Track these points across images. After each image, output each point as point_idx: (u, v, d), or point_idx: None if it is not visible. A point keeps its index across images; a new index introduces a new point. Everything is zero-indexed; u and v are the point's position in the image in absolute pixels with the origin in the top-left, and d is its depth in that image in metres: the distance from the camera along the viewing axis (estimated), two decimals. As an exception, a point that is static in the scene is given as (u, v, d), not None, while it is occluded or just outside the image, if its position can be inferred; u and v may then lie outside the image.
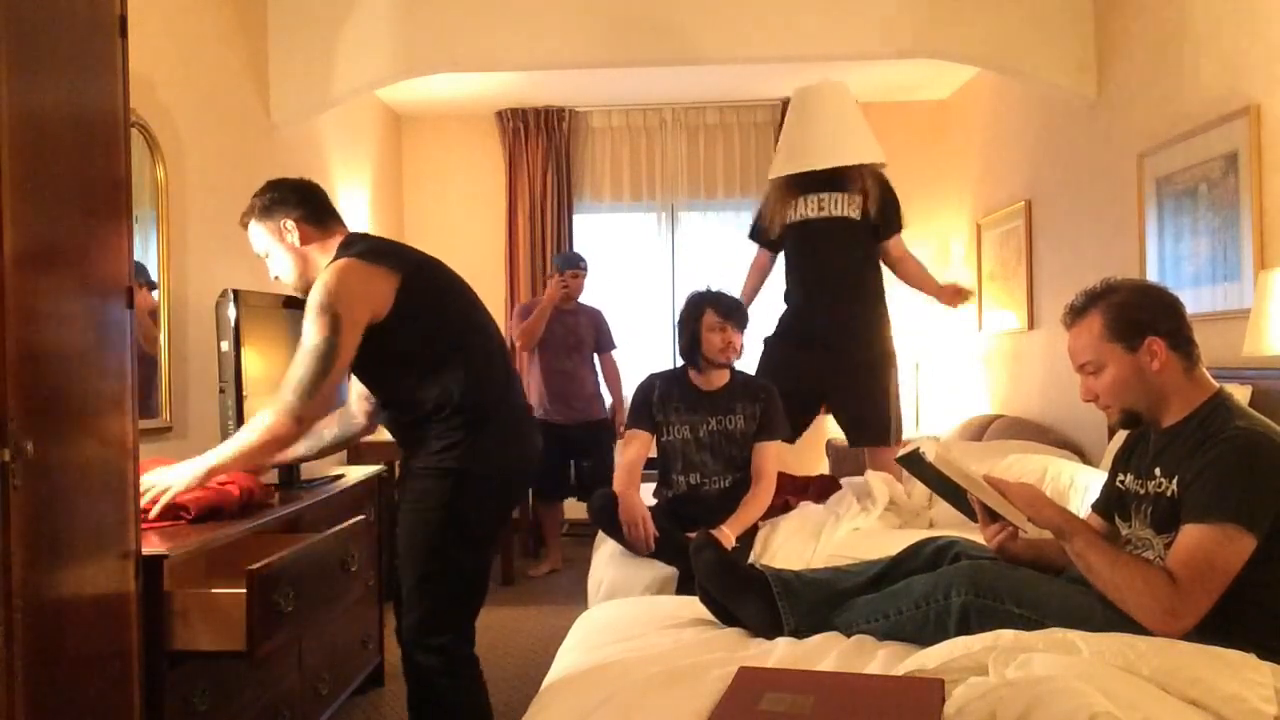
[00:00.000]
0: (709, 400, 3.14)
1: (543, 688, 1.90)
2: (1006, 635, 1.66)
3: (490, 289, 5.55)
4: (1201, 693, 1.48)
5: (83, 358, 1.62)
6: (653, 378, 3.24)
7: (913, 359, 5.75)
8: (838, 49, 4.07)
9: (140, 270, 2.93)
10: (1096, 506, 2.05)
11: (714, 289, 3.22)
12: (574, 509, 4.96)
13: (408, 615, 2.21)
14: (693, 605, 2.22)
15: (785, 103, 4.77)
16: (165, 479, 2.14)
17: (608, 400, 4.97)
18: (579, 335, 4.83)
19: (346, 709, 3.00)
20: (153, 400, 3.00)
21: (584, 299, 4.92)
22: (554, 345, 4.77)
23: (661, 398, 3.16)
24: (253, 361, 2.66)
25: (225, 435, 2.66)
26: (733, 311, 3.11)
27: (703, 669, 1.72)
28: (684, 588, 2.73)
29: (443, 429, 2.16)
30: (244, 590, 1.86)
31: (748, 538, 2.95)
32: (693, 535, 2.48)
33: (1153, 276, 3.44)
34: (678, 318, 3.26)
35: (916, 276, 3.91)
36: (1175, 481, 1.76)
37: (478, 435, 2.17)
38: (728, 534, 2.83)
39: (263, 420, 2.09)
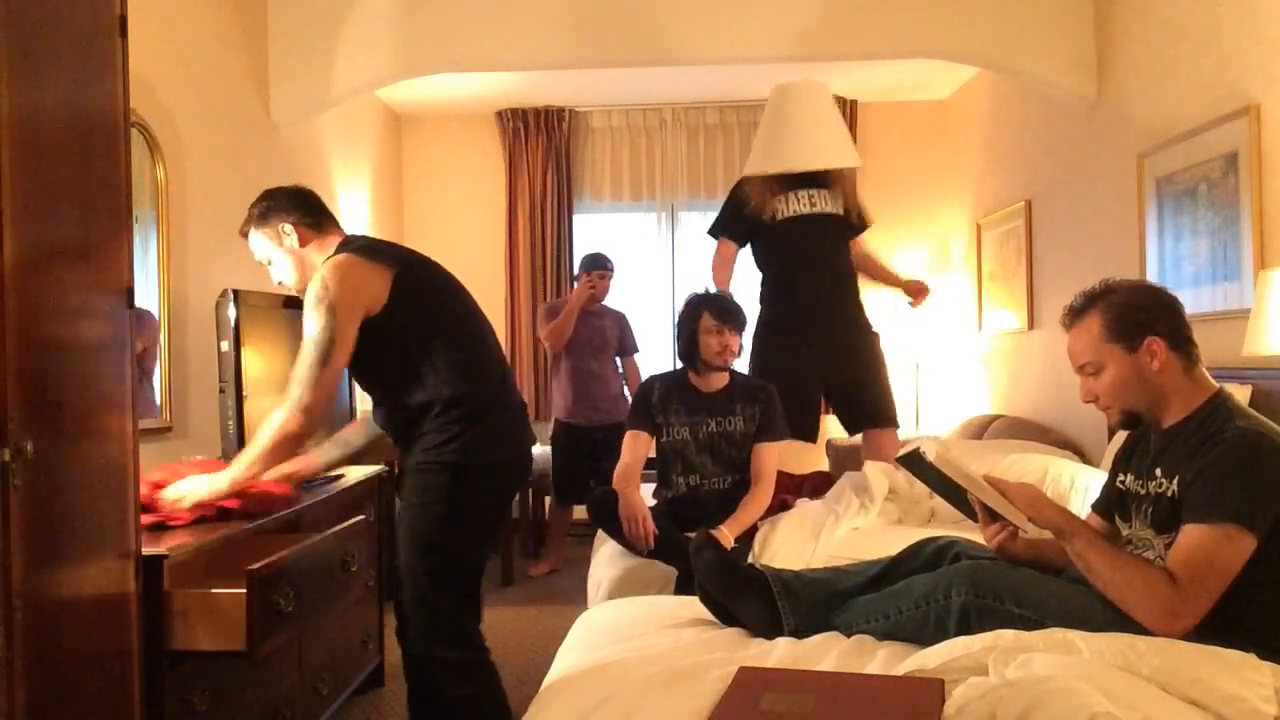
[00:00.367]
0: (708, 402, 3.15)
1: (543, 688, 1.90)
2: (1006, 635, 1.66)
3: (490, 289, 5.56)
4: (1201, 693, 1.48)
5: (83, 358, 1.62)
6: (653, 379, 3.25)
7: (913, 359, 5.74)
8: (837, 49, 4.08)
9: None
10: (1097, 507, 2.05)
11: (712, 291, 3.23)
12: (578, 510, 4.95)
13: (414, 615, 2.21)
14: (693, 605, 2.21)
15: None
16: (194, 488, 2.17)
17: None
18: (604, 337, 4.80)
19: (346, 709, 3.00)
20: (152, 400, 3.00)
21: (607, 302, 4.88)
22: (580, 346, 4.75)
23: (661, 399, 3.17)
24: (252, 361, 2.67)
25: (225, 435, 2.67)
26: (730, 314, 3.11)
27: (703, 669, 1.72)
28: (684, 588, 2.73)
29: (438, 424, 2.18)
30: (244, 590, 1.86)
31: (747, 537, 2.95)
32: (692, 535, 2.48)
33: (1153, 276, 3.44)
34: (676, 319, 3.26)
35: (882, 270, 4.03)
36: (1175, 482, 1.76)
37: (473, 430, 2.18)
38: (727, 534, 2.83)
39: (273, 420, 2.13)
